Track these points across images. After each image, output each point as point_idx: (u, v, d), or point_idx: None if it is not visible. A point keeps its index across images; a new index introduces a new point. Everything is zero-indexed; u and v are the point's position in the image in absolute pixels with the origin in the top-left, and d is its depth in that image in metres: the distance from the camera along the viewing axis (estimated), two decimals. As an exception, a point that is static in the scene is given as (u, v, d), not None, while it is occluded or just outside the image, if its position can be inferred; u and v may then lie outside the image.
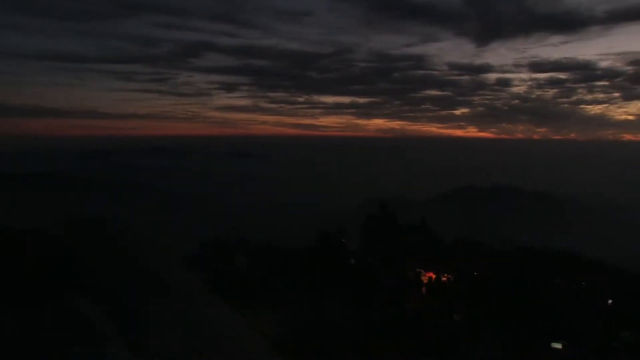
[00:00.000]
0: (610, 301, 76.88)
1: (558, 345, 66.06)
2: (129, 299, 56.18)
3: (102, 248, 72.78)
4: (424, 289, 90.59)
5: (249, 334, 61.57)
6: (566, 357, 63.58)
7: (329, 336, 63.29)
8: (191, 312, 59.08)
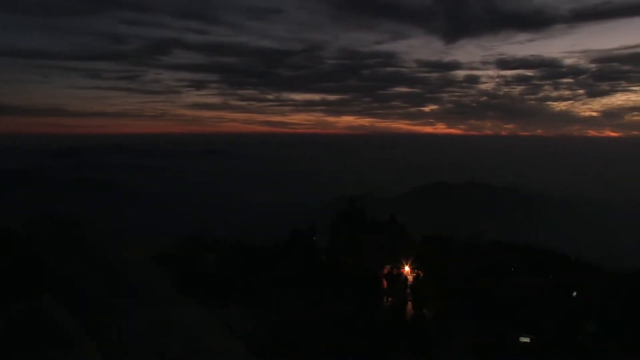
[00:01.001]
0: (575, 293, 78.18)
1: (526, 339, 66.92)
2: (97, 299, 55.30)
3: (69, 248, 71.53)
4: (394, 285, 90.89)
5: (219, 332, 61.06)
6: (533, 350, 64.45)
7: (301, 333, 63.18)
8: (161, 312, 58.38)
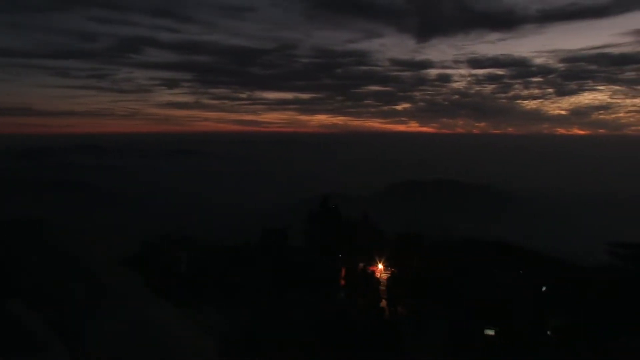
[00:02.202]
0: (544, 288, 79.35)
1: (491, 332, 67.88)
2: (67, 302, 54.46)
3: (37, 250, 70.37)
4: (367, 284, 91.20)
5: (192, 333, 60.65)
6: (498, 342, 65.45)
7: (274, 333, 63.07)
8: (133, 313, 57.70)
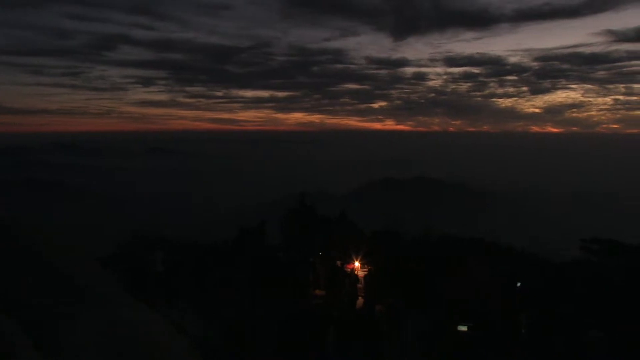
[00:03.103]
0: (519, 284, 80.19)
1: (464, 328, 68.41)
2: (40, 305, 53.51)
3: (9, 252, 69.09)
4: (345, 281, 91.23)
5: (169, 333, 59.95)
6: (471, 338, 65.97)
7: (252, 332, 62.77)
8: (109, 315, 56.78)
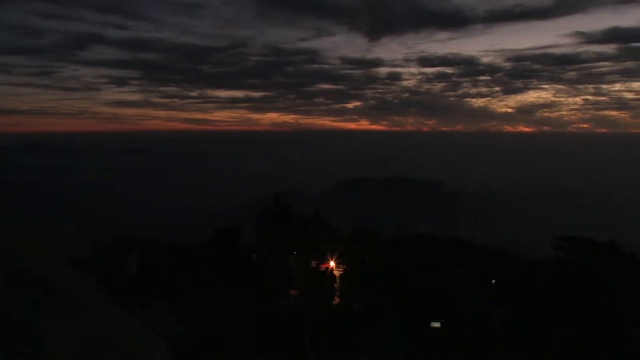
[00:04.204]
0: (493, 282, 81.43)
1: (437, 324, 69.36)
2: (13, 309, 53.06)
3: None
4: (320, 281, 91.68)
5: (146, 335, 60.06)
6: (444, 335, 66.96)
7: (226, 333, 62.96)
8: (83, 317, 56.71)
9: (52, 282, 65.11)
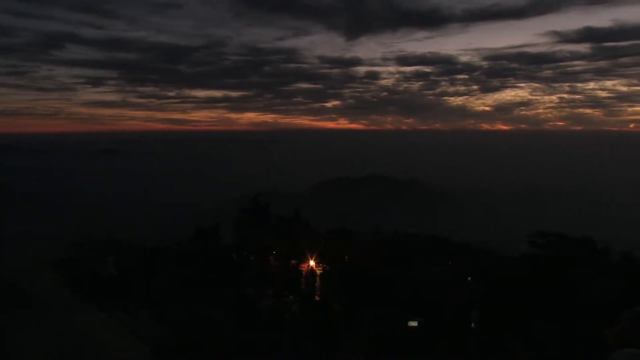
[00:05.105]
0: (469, 278, 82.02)
1: (414, 323, 69.52)
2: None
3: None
4: (300, 281, 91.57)
5: (122, 337, 59.28)
6: (421, 333, 67.18)
7: (206, 334, 62.42)
8: (59, 320, 55.82)
9: (26, 285, 64.05)
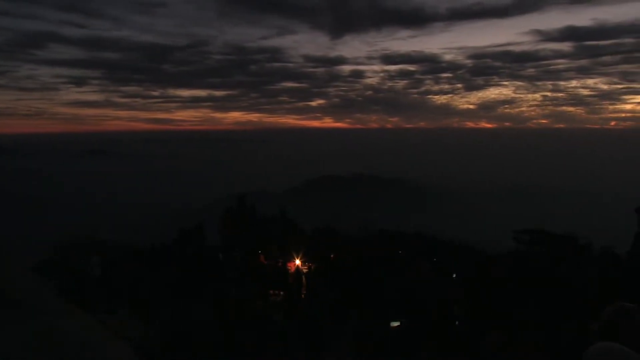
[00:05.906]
0: (454, 275, 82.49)
1: (396, 323, 69.72)
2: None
3: None
4: (286, 279, 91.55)
5: (109, 340, 58.78)
6: (404, 333, 67.40)
7: (193, 335, 62.24)
8: (45, 324, 55.25)
9: (10, 288, 63.43)
